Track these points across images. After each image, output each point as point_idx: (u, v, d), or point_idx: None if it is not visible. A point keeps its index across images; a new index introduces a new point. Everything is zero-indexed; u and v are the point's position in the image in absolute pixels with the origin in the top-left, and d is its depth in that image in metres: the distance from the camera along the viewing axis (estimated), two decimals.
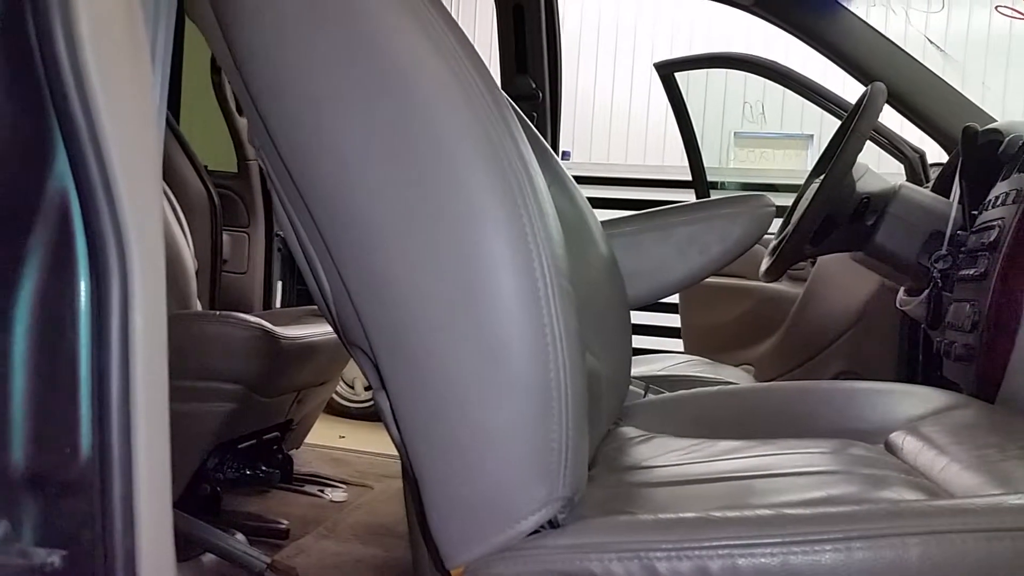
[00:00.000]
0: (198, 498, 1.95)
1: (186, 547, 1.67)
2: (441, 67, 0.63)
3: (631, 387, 1.50)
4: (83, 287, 0.52)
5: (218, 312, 1.96)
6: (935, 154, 2.19)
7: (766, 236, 2.76)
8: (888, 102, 1.62)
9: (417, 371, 0.65)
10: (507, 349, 0.62)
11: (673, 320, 3.45)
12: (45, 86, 0.52)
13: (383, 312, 0.66)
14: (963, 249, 1.44)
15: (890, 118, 1.88)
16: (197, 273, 2.40)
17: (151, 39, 0.59)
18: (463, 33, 0.66)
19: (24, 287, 0.52)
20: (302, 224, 0.74)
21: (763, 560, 0.62)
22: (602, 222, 1.35)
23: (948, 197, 1.60)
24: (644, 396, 1.49)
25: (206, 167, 2.70)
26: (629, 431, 1.19)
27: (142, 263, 0.52)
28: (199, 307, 2.41)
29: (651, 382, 1.57)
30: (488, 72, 0.67)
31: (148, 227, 0.52)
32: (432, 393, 0.64)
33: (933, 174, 2.13)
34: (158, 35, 0.60)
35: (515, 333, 0.62)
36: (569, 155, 4.91)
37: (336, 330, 0.78)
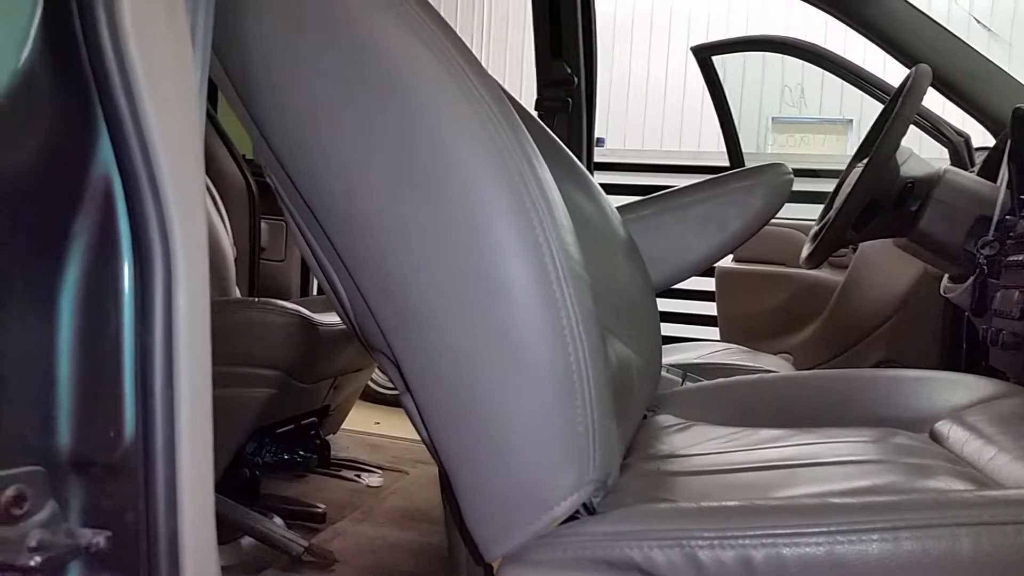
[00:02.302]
0: (237, 482, 1.97)
1: (225, 530, 1.70)
2: (435, 68, 0.63)
3: (668, 375, 1.49)
4: (127, 271, 0.52)
5: (257, 299, 1.97)
6: (979, 138, 2.14)
7: (807, 222, 2.72)
8: (932, 84, 1.58)
9: (438, 368, 0.65)
10: (524, 336, 0.62)
11: (708, 308, 3.42)
12: (89, 71, 0.52)
13: (399, 314, 0.66)
14: (1011, 235, 1.40)
15: (932, 100, 1.83)
16: (236, 261, 2.42)
17: (191, 24, 0.59)
18: (455, 33, 0.67)
19: (69, 271, 0.53)
20: (313, 235, 0.74)
21: (808, 550, 0.61)
22: (618, 207, 1.34)
23: (995, 181, 1.56)
24: (682, 384, 1.47)
25: (244, 156, 2.72)
26: (667, 419, 1.18)
27: (185, 246, 0.52)
28: (238, 294, 2.44)
29: (688, 370, 1.56)
30: (483, 69, 0.67)
31: (191, 210, 0.52)
32: (454, 389, 0.64)
33: (979, 158, 2.08)
34: (198, 20, 0.60)
35: (530, 319, 0.62)
36: (604, 142, 4.88)
37: (357, 335, 0.79)
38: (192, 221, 0.52)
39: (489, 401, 0.63)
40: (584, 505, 0.68)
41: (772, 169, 1.46)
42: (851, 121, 5.11)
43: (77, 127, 0.52)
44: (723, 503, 0.67)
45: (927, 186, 1.56)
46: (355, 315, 0.75)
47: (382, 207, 0.64)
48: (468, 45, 0.68)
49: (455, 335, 0.63)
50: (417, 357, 0.66)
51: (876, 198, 1.55)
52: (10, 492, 0.50)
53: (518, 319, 0.62)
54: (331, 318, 1.95)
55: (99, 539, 0.53)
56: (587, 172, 1.24)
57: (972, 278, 1.48)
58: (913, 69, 1.54)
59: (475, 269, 0.62)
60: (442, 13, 0.68)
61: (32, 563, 0.49)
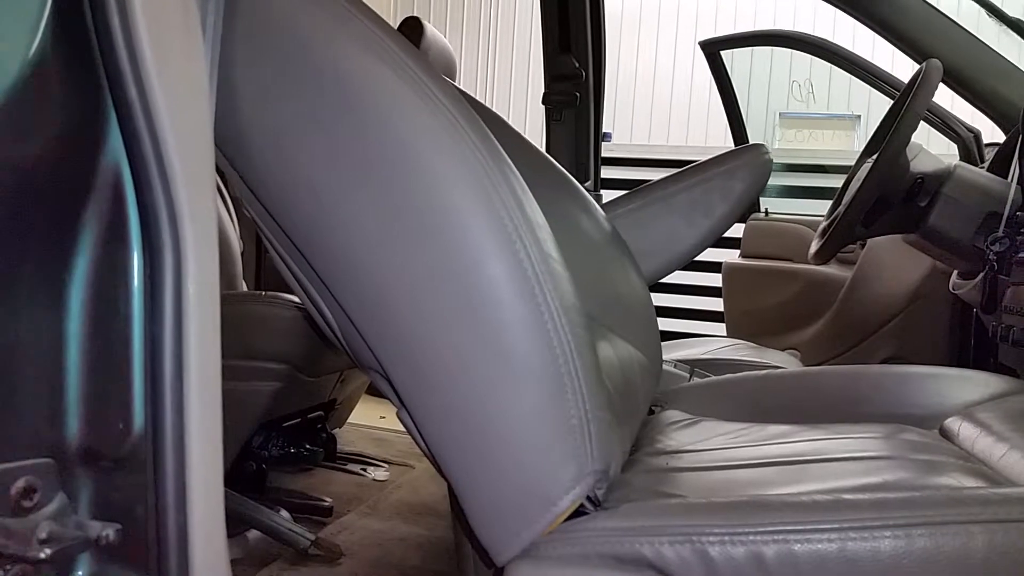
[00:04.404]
0: (244, 475, 1.98)
1: (232, 523, 1.69)
2: (393, 81, 0.63)
3: (676, 371, 1.48)
4: (137, 262, 0.52)
5: (264, 293, 1.97)
6: (990, 133, 2.13)
7: (815, 218, 2.70)
8: (942, 79, 1.57)
9: (428, 378, 0.65)
10: (508, 335, 0.62)
11: (714, 304, 3.41)
12: (100, 62, 0.52)
13: (385, 330, 0.66)
14: (1022, 231, 1.40)
15: (941, 95, 1.82)
16: (243, 254, 2.42)
17: (202, 14, 0.59)
18: (412, 46, 0.67)
19: (79, 263, 0.53)
20: (293, 260, 0.75)
21: (820, 546, 0.61)
22: (603, 204, 1.34)
23: (1006, 177, 1.55)
24: (689, 380, 1.47)
25: None
26: (675, 415, 1.18)
27: (195, 237, 0.52)
28: (245, 288, 2.44)
29: (696, 366, 1.56)
30: (442, 77, 0.67)
31: (201, 201, 0.52)
32: (446, 397, 0.65)
33: (989, 154, 2.07)
34: (208, 9, 0.60)
35: (512, 318, 0.62)
36: (611, 136, 4.86)
37: (348, 355, 0.79)
38: (202, 212, 0.52)
39: (481, 404, 0.63)
40: (589, 499, 0.68)
41: (751, 151, 1.46)
42: (859, 117, 5.09)
43: (88, 118, 0.52)
44: (734, 498, 0.67)
45: (937, 182, 1.55)
46: (343, 335, 0.76)
47: (353, 223, 0.64)
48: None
49: (440, 343, 0.63)
50: (406, 370, 0.66)
51: (885, 194, 1.55)
52: (20, 484, 0.50)
53: (500, 319, 0.62)
54: None
55: (108, 531, 0.53)
56: (566, 172, 1.25)
57: (982, 274, 1.47)
58: (923, 64, 1.53)
59: (451, 274, 0.62)
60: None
61: (42, 555, 0.49)
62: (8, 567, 0.48)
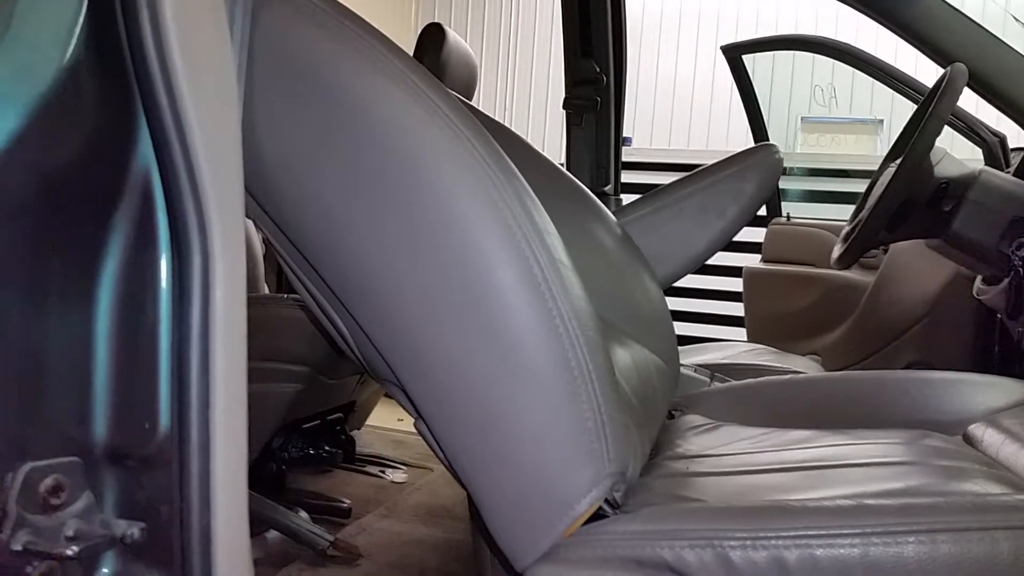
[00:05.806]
0: (264, 476, 1.99)
1: (252, 524, 1.70)
2: (396, 94, 0.63)
3: (697, 375, 1.48)
4: (165, 265, 0.53)
5: (285, 295, 1.99)
6: (1015, 137, 2.10)
7: (837, 222, 2.68)
8: (967, 83, 1.56)
9: (443, 387, 0.66)
10: (521, 341, 0.62)
11: (733, 308, 3.39)
12: (131, 68, 0.52)
13: (400, 341, 0.67)
14: None
15: (965, 99, 1.80)
16: (264, 257, 2.44)
17: (230, 20, 0.59)
18: (410, 58, 0.67)
19: (108, 265, 0.53)
20: (307, 276, 0.76)
21: (842, 551, 0.60)
22: (615, 211, 1.35)
23: None
24: (710, 384, 1.47)
25: None
26: (695, 419, 1.18)
27: (223, 241, 0.52)
28: (266, 290, 2.45)
29: (716, 370, 1.55)
30: (443, 89, 0.67)
31: (229, 206, 0.52)
32: (463, 405, 0.65)
33: (1014, 158, 2.05)
34: (236, 14, 0.61)
35: (524, 323, 0.62)
36: (630, 141, 4.86)
37: (364, 368, 0.80)
38: (230, 217, 0.53)
39: (497, 410, 0.64)
40: (608, 502, 0.68)
41: (761, 151, 1.46)
42: (881, 121, 5.05)
43: (118, 123, 0.53)
44: (755, 503, 0.67)
45: (962, 187, 1.53)
46: (359, 349, 0.77)
47: (366, 240, 0.65)
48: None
49: (453, 352, 0.64)
50: (422, 380, 0.67)
51: (909, 199, 1.53)
52: (48, 482, 0.50)
53: (510, 324, 0.62)
54: None
55: (133, 530, 0.53)
56: (577, 181, 1.25)
57: (1007, 280, 1.46)
58: (948, 68, 1.52)
59: (461, 283, 0.62)
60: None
61: (69, 552, 0.50)
62: (36, 563, 0.49)
